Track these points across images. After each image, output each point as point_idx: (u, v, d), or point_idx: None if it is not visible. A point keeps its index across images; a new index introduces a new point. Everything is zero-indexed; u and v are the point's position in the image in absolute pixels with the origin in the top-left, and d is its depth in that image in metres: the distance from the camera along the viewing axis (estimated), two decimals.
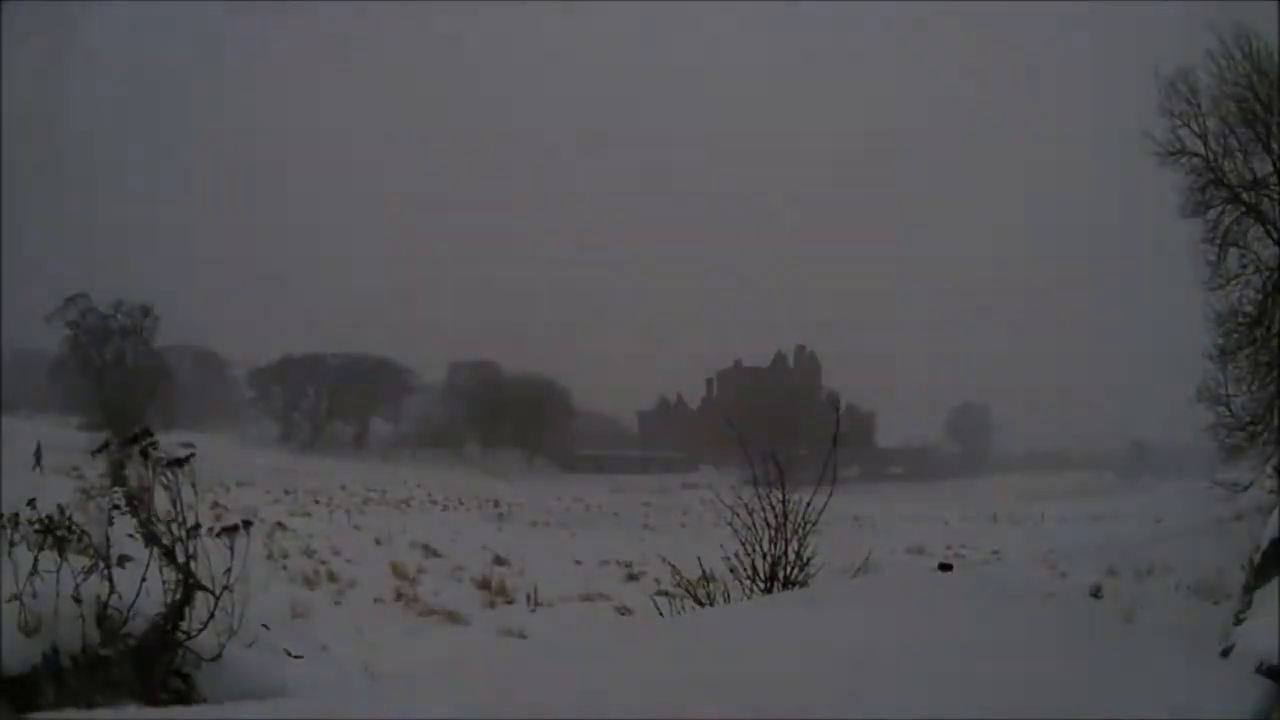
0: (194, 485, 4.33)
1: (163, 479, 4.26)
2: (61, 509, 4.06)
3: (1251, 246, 17.43)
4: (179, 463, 4.36)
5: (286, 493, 33.65)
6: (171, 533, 4.21)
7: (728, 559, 7.99)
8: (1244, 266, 17.48)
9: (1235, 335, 17.32)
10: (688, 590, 8.26)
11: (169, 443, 4.95)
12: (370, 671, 5.63)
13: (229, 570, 4.18)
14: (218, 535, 4.28)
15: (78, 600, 3.76)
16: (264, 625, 5.24)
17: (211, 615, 4.11)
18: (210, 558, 4.23)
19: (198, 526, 4.24)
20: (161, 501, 4.26)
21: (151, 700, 3.84)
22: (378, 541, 18.96)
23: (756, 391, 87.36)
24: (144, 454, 4.27)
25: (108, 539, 4.17)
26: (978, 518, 45.04)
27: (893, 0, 64.43)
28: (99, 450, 4.62)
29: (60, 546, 3.85)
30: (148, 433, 4.48)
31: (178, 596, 4.10)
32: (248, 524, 4.41)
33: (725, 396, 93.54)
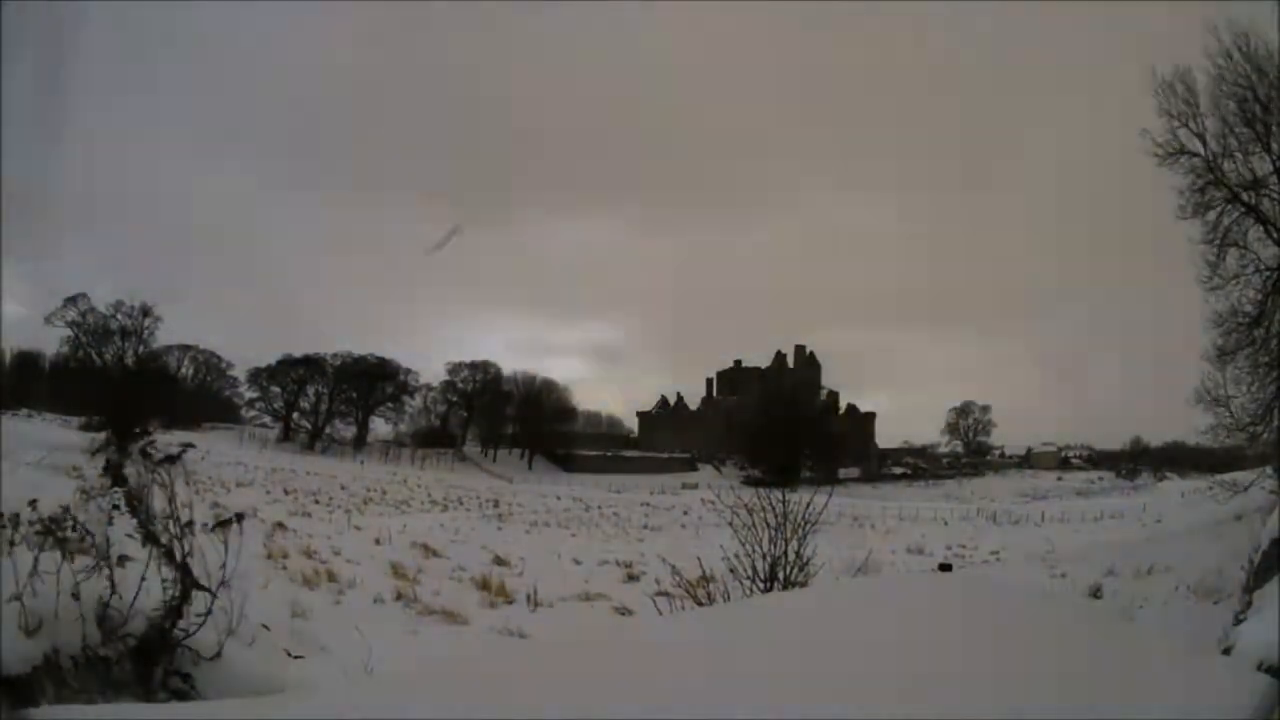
0: (188, 481, 4.34)
1: (157, 477, 4.27)
2: (65, 509, 4.06)
3: (1251, 247, 17.43)
4: (171, 460, 4.37)
5: (286, 493, 33.65)
6: (168, 530, 4.21)
7: (728, 559, 8.00)
8: (1244, 267, 17.49)
9: (1235, 335, 17.32)
10: (687, 590, 8.27)
11: (169, 443, 4.95)
12: (370, 671, 5.62)
13: (224, 565, 4.19)
14: (212, 530, 4.28)
15: (76, 596, 3.76)
16: (264, 625, 5.24)
17: (209, 611, 4.12)
18: (206, 555, 4.23)
19: (191, 523, 4.25)
20: (159, 500, 4.26)
21: (152, 699, 3.84)
22: (378, 541, 18.97)
23: (756, 391, 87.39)
24: (143, 453, 4.27)
25: (108, 539, 4.18)
26: (978, 518, 45.05)
27: (893, 0, 64.44)
28: (98, 450, 4.64)
29: (62, 547, 3.85)
30: (145, 432, 4.50)
31: (175, 594, 4.10)
32: (240, 517, 4.41)
33: (725, 396, 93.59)
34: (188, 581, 4.09)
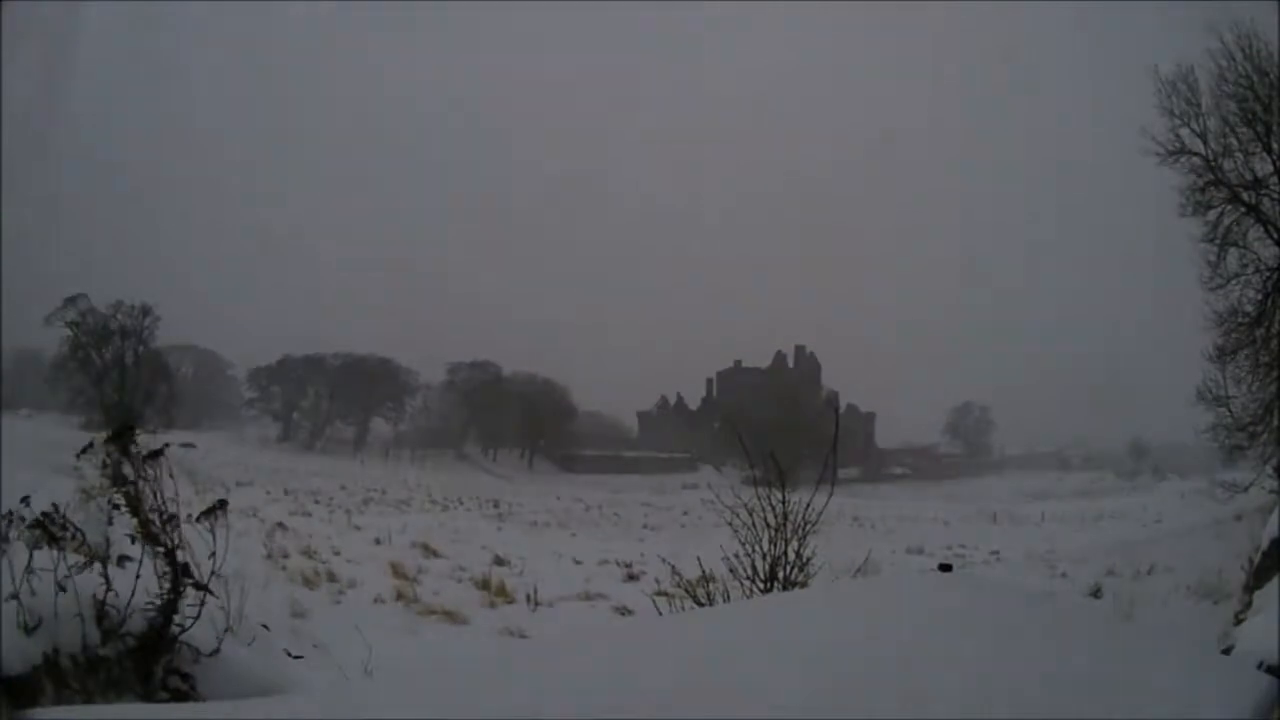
0: (172, 475, 4.35)
1: (143, 472, 4.28)
2: (56, 507, 4.07)
3: (1251, 246, 17.44)
4: (155, 455, 4.38)
5: (286, 493, 33.65)
6: (156, 524, 4.22)
7: (728, 559, 8.00)
8: (1244, 266, 17.50)
9: (1235, 335, 17.32)
10: (687, 590, 8.28)
11: (168, 442, 4.94)
12: (370, 671, 5.62)
13: (214, 554, 4.20)
14: (197, 521, 4.30)
15: (63, 588, 3.76)
16: (263, 625, 5.25)
17: (202, 602, 4.13)
18: (193, 548, 4.25)
19: (175, 515, 4.26)
20: (147, 496, 4.27)
21: (152, 699, 3.84)
22: (378, 541, 18.99)
23: (756, 391, 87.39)
24: (124, 449, 4.29)
25: (107, 539, 4.18)
26: (978, 518, 44.96)
27: (894, 0, 64.34)
28: (83, 452, 4.62)
29: (58, 545, 3.86)
30: (129, 428, 4.50)
31: (168, 588, 4.11)
32: (224, 504, 4.44)
33: (725, 396, 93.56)
34: (178, 573, 4.10)
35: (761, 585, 7.64)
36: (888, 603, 4.26)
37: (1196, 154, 17.62)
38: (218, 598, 4.22)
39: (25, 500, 4.02)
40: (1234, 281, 17.47)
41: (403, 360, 79.60)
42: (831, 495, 8.03)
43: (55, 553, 3.84)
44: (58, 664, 3.69)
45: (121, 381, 51.99)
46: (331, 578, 12.70)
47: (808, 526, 7.88)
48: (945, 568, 7.37)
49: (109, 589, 3.97)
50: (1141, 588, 12.24)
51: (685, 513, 39.94)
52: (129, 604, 4.01)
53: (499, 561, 16.89)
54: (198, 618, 4.10)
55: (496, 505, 39.28)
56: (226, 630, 4.24)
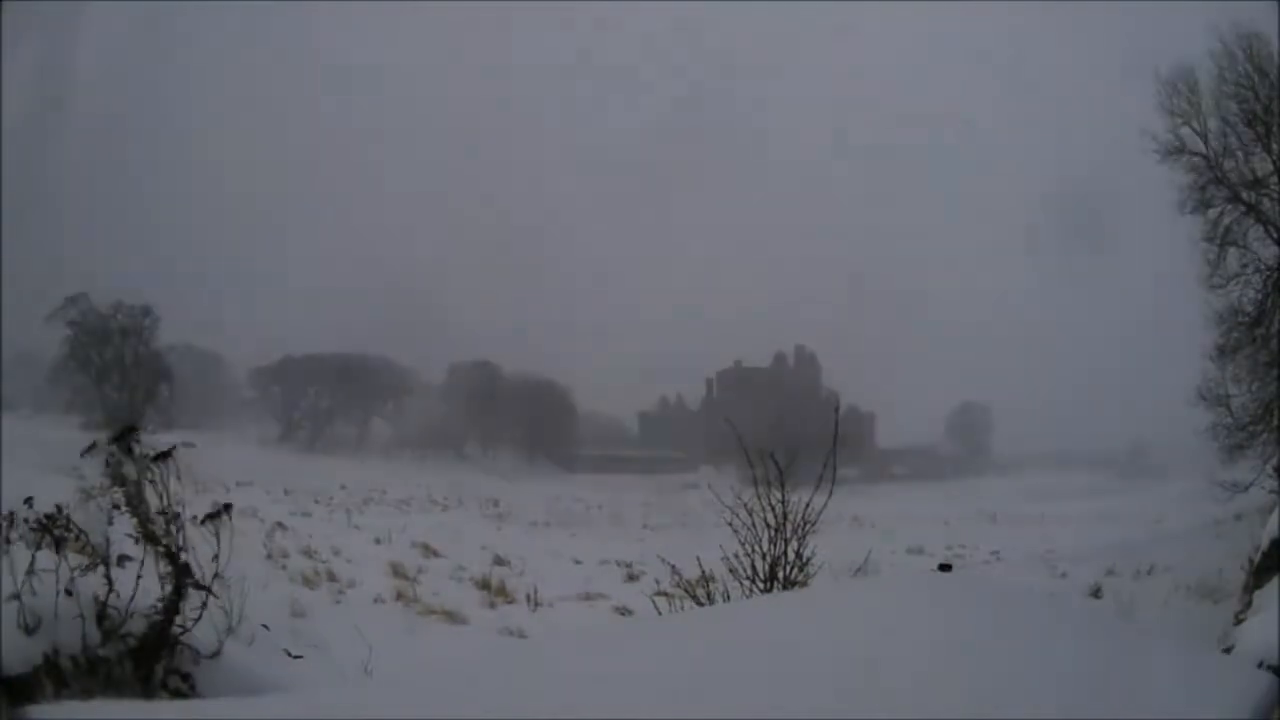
0: (179, 477, 4.35)
1: (149, 473, 4.28)
2: (59, 508, 4.07)
3: (1251, 246, 17.46)
4: (164, 456, 4.38)
5: (286, 493, 33.65)
6: (160, 525, 4.23)
7: (727, 559, 8.00)
8: (1244, 266, 17.51)
9: (1235, 335, 17.33)
10: (687, 590, 8.27)
11: (169, 443, 4.95)
12: (370, 671, 5.63)
13: (217, 558, 4.21)
14: (201, 523, 4.30)
15: (69, 593, 3.76)
16: (264, 625, 5.25)
17: (204, 605, 4.13)
18: (197, 550, 4.25)
19: (179, 515, 4.27)
20: (151, 497, 4.28)
21: (151, 699, 3.84)
22: (378, 541, 19.00)
23: (756, 391, 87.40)
24: (128, 449, 4.29)
25: (107, 539, 4.18)
26: (978, 518, 44.93)
27: (892, 1, 64.29)
28: (87, 451, 4.61)
29: (58, 545, 3.86)
30: (131, 429, 4.49)
31: (171, 589, 4.11)
32: (228, 507, 4.44)
33: (725, 396, 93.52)
34: (182, 576, 4.11)
35: (761, 585, 7.64)
36: (888, 603, 4.26)
37: (1197, 153, 17.64)
38: (219, 599, 4.22)
39: (28, 501, 4.02)
40: (1234, 281, 17.50)
41: (403, 360, 79.60)
42: (831, 495, 8.02)
43: (57, 554, 3.84)
44: (58, 664, 3.69)
45: (121, 381, 52.03)
46: (331, 578, 12.71)
47: (807, 526, 7.87)
48: (945, 568, 7.36)
49: (111, 589, 3.97)
50: (1141, 588, 12.24)
51: (685, 513, 39.94)
52: (130, 604, 4.01)
53: (499, 561, 16.90)
54: (199, 619, 4.10)
55: (496, 505, 39.34)
56: (228, 631, 4.24)
